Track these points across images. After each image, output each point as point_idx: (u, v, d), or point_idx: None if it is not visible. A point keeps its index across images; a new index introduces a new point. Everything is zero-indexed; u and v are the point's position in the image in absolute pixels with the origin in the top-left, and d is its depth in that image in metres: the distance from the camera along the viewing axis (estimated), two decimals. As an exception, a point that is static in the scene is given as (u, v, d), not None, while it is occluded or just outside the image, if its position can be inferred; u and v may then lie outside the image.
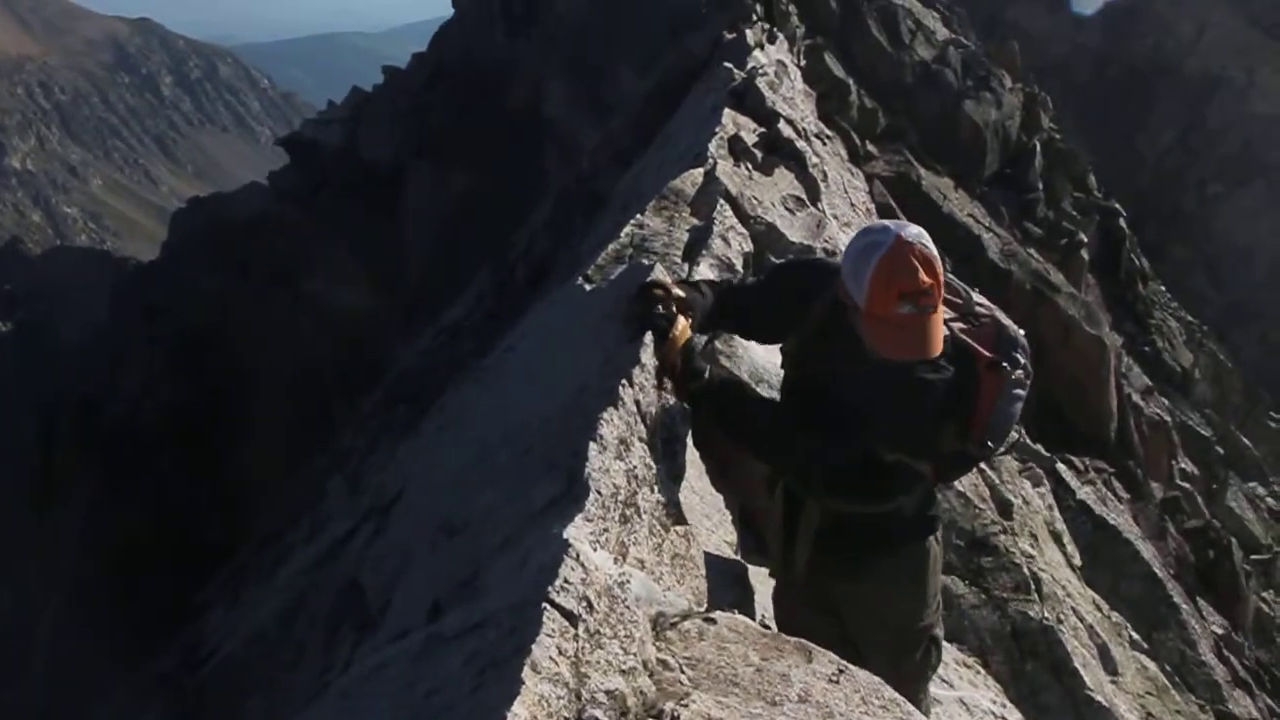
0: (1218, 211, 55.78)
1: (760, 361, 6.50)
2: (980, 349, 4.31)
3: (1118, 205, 31.98)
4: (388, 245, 31.57)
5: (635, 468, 3.61)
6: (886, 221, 4.23)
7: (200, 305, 36.38)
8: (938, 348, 4.01)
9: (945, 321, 4.19)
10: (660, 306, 4.26)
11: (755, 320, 4.78)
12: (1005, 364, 4.31)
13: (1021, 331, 4.48)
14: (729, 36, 18.31)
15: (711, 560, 4.53)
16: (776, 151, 10.77)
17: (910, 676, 4.67)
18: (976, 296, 4.51)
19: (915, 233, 4.01)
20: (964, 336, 4.30)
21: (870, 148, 21.89)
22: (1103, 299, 27.64)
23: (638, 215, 7.49)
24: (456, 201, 29.40)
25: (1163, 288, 36.71)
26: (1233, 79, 59.35)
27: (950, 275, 4.36)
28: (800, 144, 11.47)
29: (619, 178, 14.46)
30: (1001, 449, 4.59)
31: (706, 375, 4.30)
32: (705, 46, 19.07)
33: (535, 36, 29.53)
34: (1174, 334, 32.97)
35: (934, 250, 4.02)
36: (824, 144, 14.34)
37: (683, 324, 4.25)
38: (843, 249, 4.91)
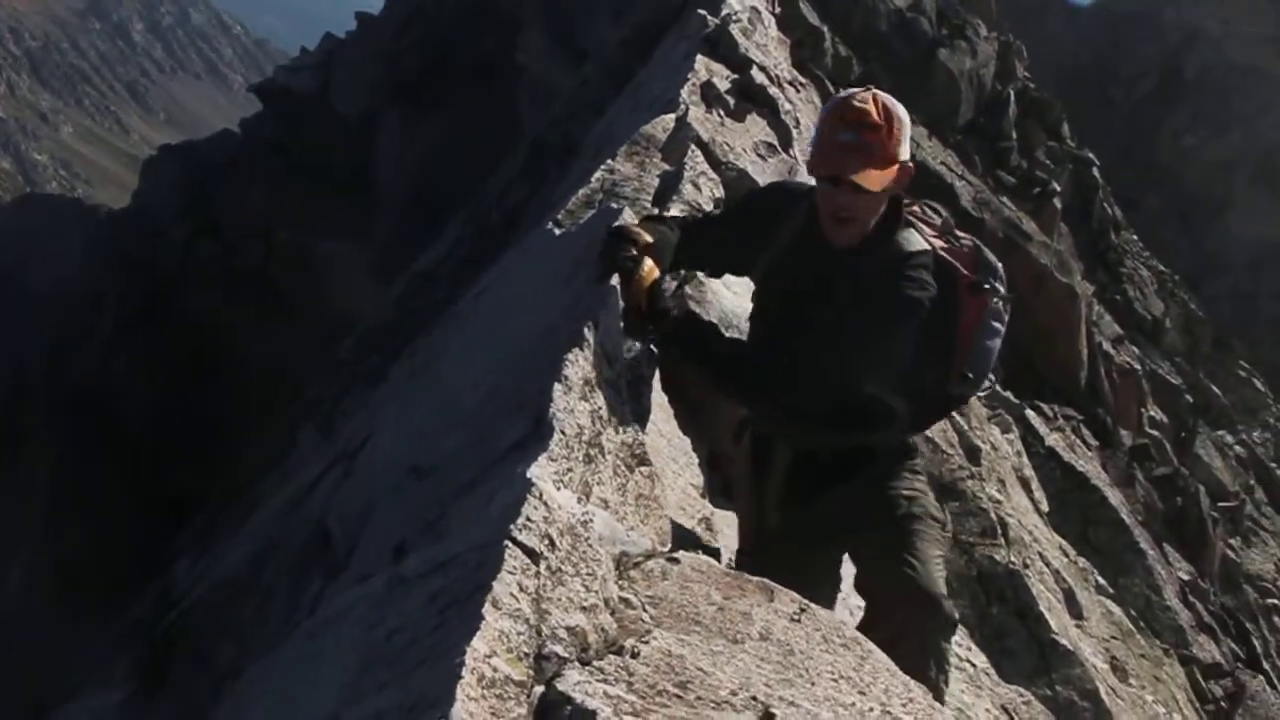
0: (1192, 163, 55.90)
1: (729, 306, 6.53)
2: (961, 268, 4.25)
3: (1091, 155, 32.00)
4: (360, 192, 31.46)
5: (600, 408, 3.63)
6: None
7: (172, 253, 36.20)
8: (874, 184, 3.94)
9: (926, 237, 4.21)
10: (629, 250, 4.17)
11: (726, 248, 4.63)
12: (987, 285, 4.27)
13: (1000, 263, 4.42)
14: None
15: (678, 502, 4.56)
16: (749, 98, 10.76)
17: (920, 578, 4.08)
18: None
19: (887, 95, 4.08)
20: (945, 254, 4.24)
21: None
22: (1075, 248, 27.70)
23: (608, 160, 7.50)
24: (430, 148, 29.28)
25: (1135, 237, 36.79)
26: (1209, 29, 59.37)
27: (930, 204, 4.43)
28: (773, 91, 11.47)
29: (593, 125, 14.44)
30: (983, 385, 4.71)
31: (672, 314, 4.22)
32: (680, -8, 19.00)
33: (509, -19, 29.39)
34: (1145, 283, 33.07)
35: (901, 110, 4.05)
36: (797, 91, 14.32)
37: (648, 265, 4.15)
38: None
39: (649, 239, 4.28)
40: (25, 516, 33.16)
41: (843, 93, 4.15)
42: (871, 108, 3.94)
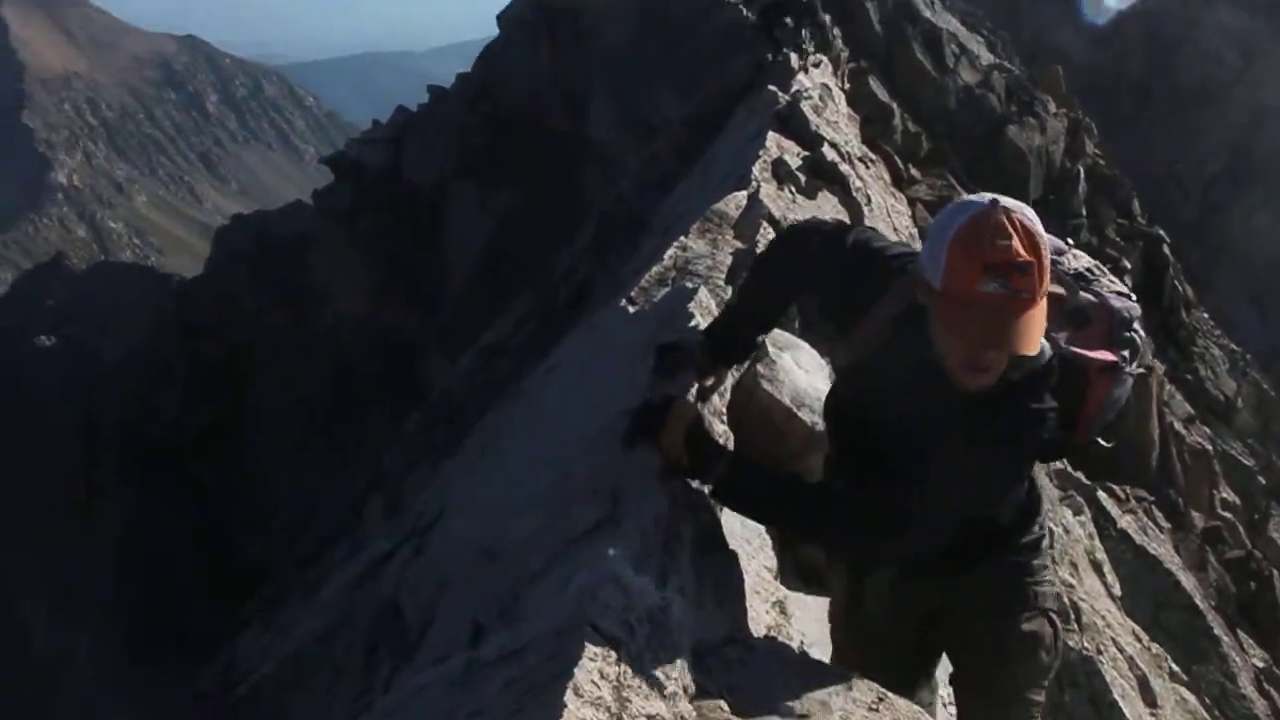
0: (1263, 242, 55.49)
1: (802, 385, 6.46)
2: (1094, 356, 3.63)
3: (1161, 232, 31.83)
4: (430, 265, 31.69)
5: (677, 493, 3.60)
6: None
7: (243, 323, 36.59)
8: (1033, 345, 3.18)
9: (1051, 336, 3.42)
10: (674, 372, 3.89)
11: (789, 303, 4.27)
12: (1122, 360, 3.67)
13: (1132, 298, 3.85)
14: (772, 59, 18.36)
15: (752, 586, 4.51)
16: (820, 175, 10.78)
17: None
18: (1075, 262, 3.80)
19: (1015, 203, 3.23)
20: (1071, 349, 3.57)
21: (914, 172, 21.88)
22: (1146, 326, 27.50)
23: (681, 237, 7.49)
24: (499, 222, 29.52)
25: (1206, 315, 36.49)
26: (1279, 109, 59.16)
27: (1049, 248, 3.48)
28: (844, 168, 11.48)
29: (661, 200, 14.49)
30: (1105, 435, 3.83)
31: (720, 465, 3.57)
32: (748, 69, 19.11)
33: (579, 57, 29.64)
34: (1217, 362, 32.77)
35: (1038, 225, 3.21)
36: (867, 168, 14.33)
37: (681, 411, 3.67)
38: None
39: (700, 355, 4.09)
40: (94, 582, 33.41)
41: (964, 212, 3.23)
42: (1016, 241, 3.12)
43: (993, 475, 3.48)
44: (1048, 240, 3.26)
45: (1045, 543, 3.94)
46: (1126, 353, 3.69)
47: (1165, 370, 26.00)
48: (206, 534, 32.28)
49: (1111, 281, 3.79)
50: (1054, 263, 3.51)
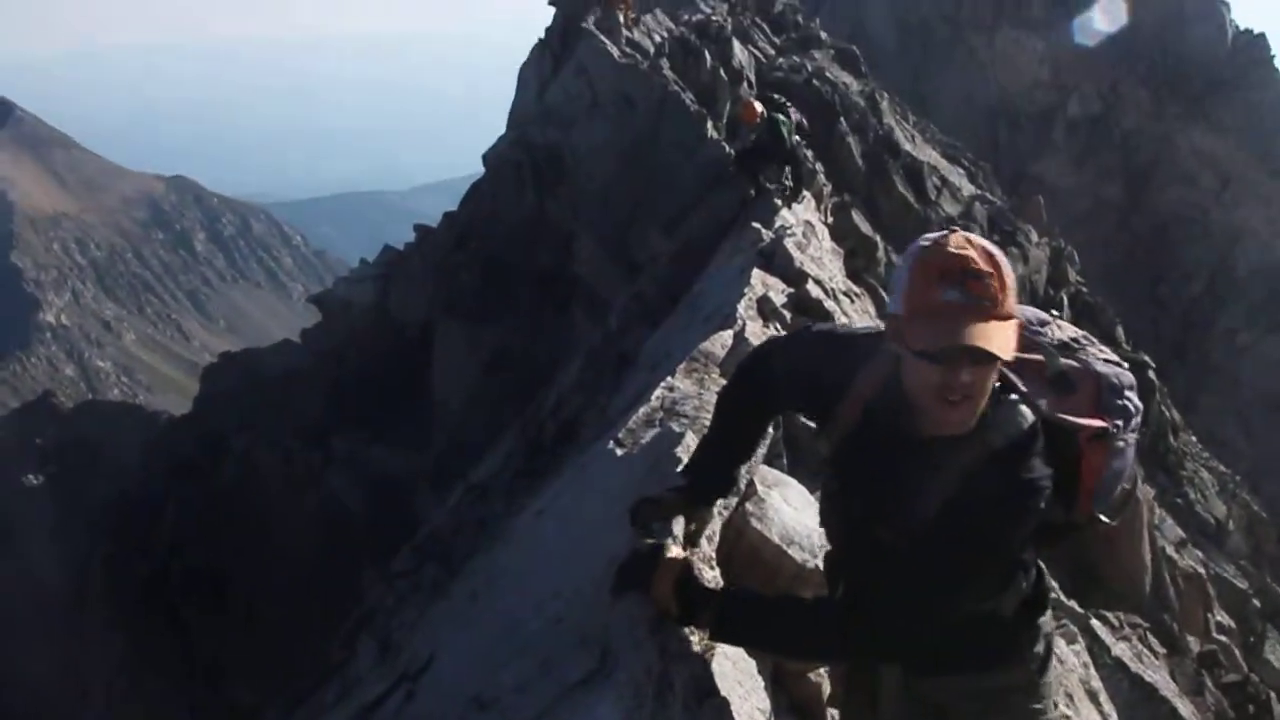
0: (1247, 362, 55.79)
1: (791, 522, 6.49)
2: (1083, 422, 3.50)
3: (1146, 358, 32.02)
4: (419, 402, 31.73)
5: (667, 641, 3.61)
6: None
7: (232, 461, 36.54)
8: (1002, 349, 3.11)
9: (1033, 402, 3.37)
10: (645, 550, 3.74)
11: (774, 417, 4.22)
12: (1114, 428, 3.54)
13: (1124, 366, 3.74)
14: (755, 195, 18.59)
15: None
16: (805, 312, 10.88)
17: None
18: (1059, 332, 3.71)
19: (977, 236, 3.24)
20: (1059, 416, 3.45)
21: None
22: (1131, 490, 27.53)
23: (668, 378, 7.54)
24: (486, 359, 29.61)
25: (1194, 438, 36.59)
26: (1257, 229, 59.76)
27: (1030, 319, 3.65)
28: (829, 304, 11.59)
29: (648, 336, 14.58)
30: (1111, 513, 3.66)
31: (709, 614, 3.52)
32: (732, 205, 19.32)
33: (563, 195, 29.94)
34: (1206, 485, 32.81)
35: (999, 253, 3.23)
36: (852, 302, 14.45)
37: (670, 556, 3.67)
38: None
39: (676, 503, 4.07)
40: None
41: (924, 240, 3.26)
42: (972, 251, 3.16)
43: (987, 558, 3.36)
44: (1014, 278, 3.26)
45: (1050, 654, 3.83)
46: (1120, 421, 3.59)
47: (1155, 495, 26.03)
48: (196, 673, 31.99)
49: (1100, 350, 3.70)
50: (1035, 332, 3.60)
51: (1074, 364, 3.57)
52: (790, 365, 3.89)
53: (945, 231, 3.24)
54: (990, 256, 3.16)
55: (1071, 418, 3.48)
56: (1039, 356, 3.51)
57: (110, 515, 40.46)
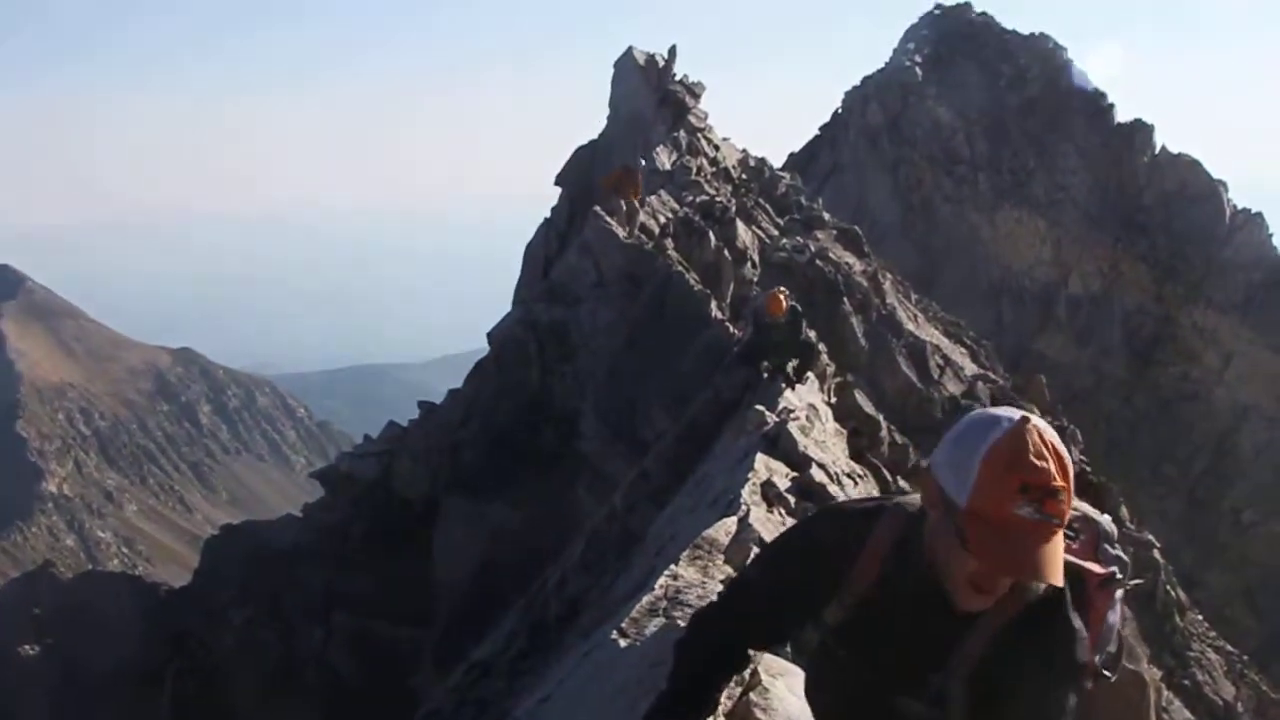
0: (1254, 539, 55.65)
1: (795, 712, 6.47)
2: (1091, 569, 3.46)
3: (1151, 537, 31.95)
4: (420, 579, 31.59)
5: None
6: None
7: (231, 634, 36.28)
8: (1060, 573, 2.96)
9: None
10: None
11: (775, 630, 3.79)
12: (1118, 575, 3.53)
13: (1106, 516, 3.73)
14: (761, 376, 18.72)
15: None
16: (809, 496, 10.91)
17: None
18: None
19: (1041, 421, 3.03)
20: (1071, 558, 3.31)
21: (902, 484, 22.05)
22: (1140, 632, 27.35)
23: (672, 565, 7.57)
24: (490, 536, 29.53)
25: (1200, 617, 36.32)
26: (1262, 406, 60.01)
27: None
28: (832, 488, 11.64)
29: (652, 516, 14.62)
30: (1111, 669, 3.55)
31: None
32: (736, 387, 19.44)
33: (568, 372, 30.13)
34: (1214, 666, 32.52)
35: (1065, 451, 3.03)
36: (855, 484, 14.49)
37: None
38: None
39: None
40: None
41: (997, 430, 2.99)
42: (1050, 463, 2.94)
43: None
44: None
45: None
46: (1117, 569, 3.56)
47: (1162, 676, 25.78)
48: None
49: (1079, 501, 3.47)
50: None
51: (1074, 511, 3.44)
52: (771, 571, 3.70)
53: (1018, 421, 2.99)
54: (1062, 462, 2.96)
55: (1083, 563, 3.43)
56: None
57: (109, 685, 40.04)
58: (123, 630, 45.54)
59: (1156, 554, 31.22)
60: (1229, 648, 37.40)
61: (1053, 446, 2.94)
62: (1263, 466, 57.92)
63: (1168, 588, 31.69)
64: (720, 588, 6.99)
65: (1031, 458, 2.91)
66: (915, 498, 3.35)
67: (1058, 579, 2.96)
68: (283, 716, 32.14)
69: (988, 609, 3.15)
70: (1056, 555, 2.95)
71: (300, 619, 34.18)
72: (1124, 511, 32.11)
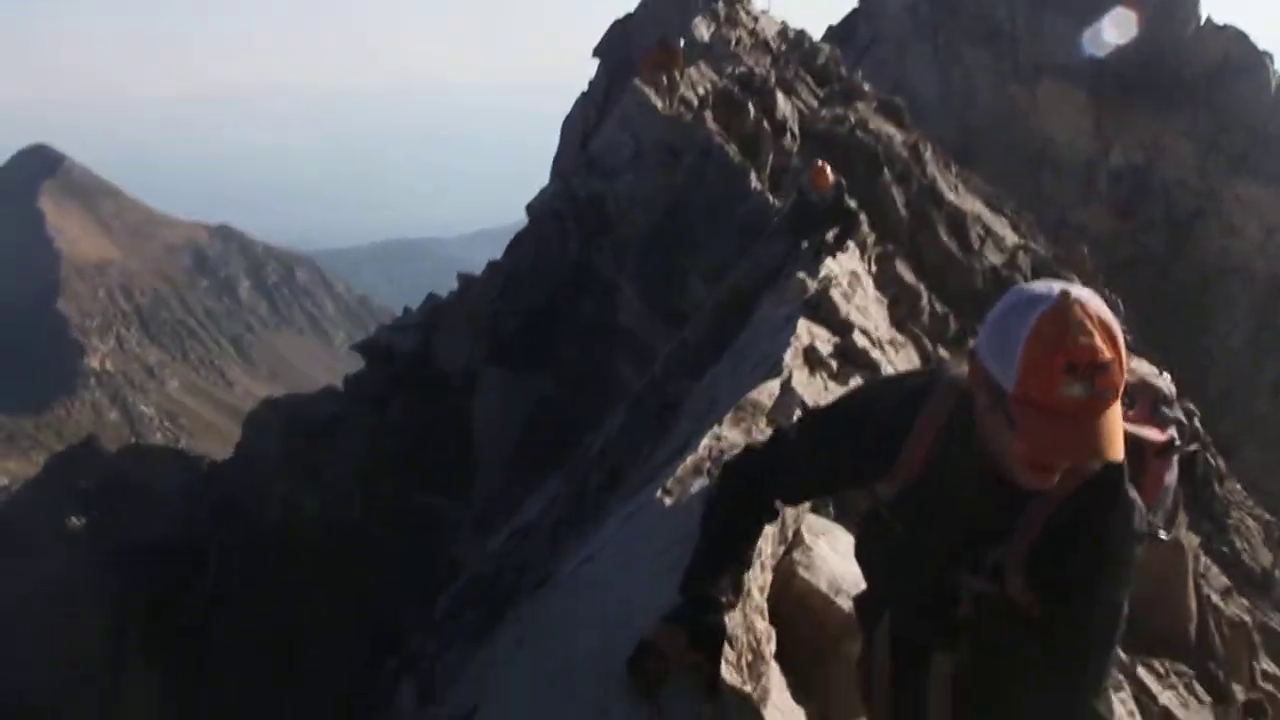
0: (1293, 412, 55.46)
1: (839, 570, 6.46)
2: (1150, 437, 3.45)
3: (1191, 405, 31.79)
4: (461, 449, 31.75)
5: (724, 691, 3.60)
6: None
7: (274, 505, 36.65)
8: (1119, 449, 2.88)
9: None
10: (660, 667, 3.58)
11: (821, 487, 3.90)
12: (1176, 441, 3.51)
13: (1166, 375, 3.75)
14: (801, 245, 18.61)
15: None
16: (851, 361, 10.88)
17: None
18: None
19: (1084, 291, 2.93)
20: (1130, 426, 3.28)
21: (942, 353, 22.00)
22: (1179, 499, 27.36)
23: (715, 426, 7.55)
24: (529, 407, 29.60)
25: (1239, 486, 36.28)
26: (1304, 278, 59.52)
27: None
28: (874, 353, 11.59)
29: (692, 386, 14.59)
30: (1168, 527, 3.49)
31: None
32: (777, 255, 19.34)
33: (607, 244, 30.02)
34: (1252, 533, 32.52)
35: (1113, 321, 2.92)
36: (896, 351, 14.45)
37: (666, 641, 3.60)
38: None
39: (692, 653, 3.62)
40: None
41: (1037, 309, 2.89)
42: (1097, 338, 2.83)
43: (1121, 587, 3.17)
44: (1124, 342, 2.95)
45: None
46: (1176, 433, 3.52)
47: (1200, 543, 25.80)
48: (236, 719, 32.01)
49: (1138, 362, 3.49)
50: None
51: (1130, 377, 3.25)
52: (816, 439, 3.65)
53: (1058, 297, 2.89)
54: (1110, 333, 2.86)
55: (1141, 432, 3.41)
56: None
57: (152, 559, 40.59)
58: (166, 503, 46.11)
59: (1196, 423, 31.10)
60: (1267, 516, 37.41)
61: (1098, 318, 2.85)
62: (1303, 339, 57.67)
63: (1207, 456, 31.63)
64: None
65: (1075, 334, 2.82)
66: (964, 370, 3.27)
67: (1117, 454, 2.88)
68: (326, 587, 32.51)
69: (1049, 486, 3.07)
70: (1114, 430, 2.87)
71: (341, 491, 34.46)
72: (1164, 382, 32.03)
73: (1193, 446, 3.58)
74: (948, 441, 3.28)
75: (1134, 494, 3.17)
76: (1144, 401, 3.61)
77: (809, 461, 3.64)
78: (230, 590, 35.25)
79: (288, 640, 32.43)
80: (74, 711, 36.91)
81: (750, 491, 3.79)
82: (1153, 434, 3.48)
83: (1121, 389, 2.86)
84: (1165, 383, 3.70)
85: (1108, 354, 2.81)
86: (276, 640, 32.67)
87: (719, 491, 3.94)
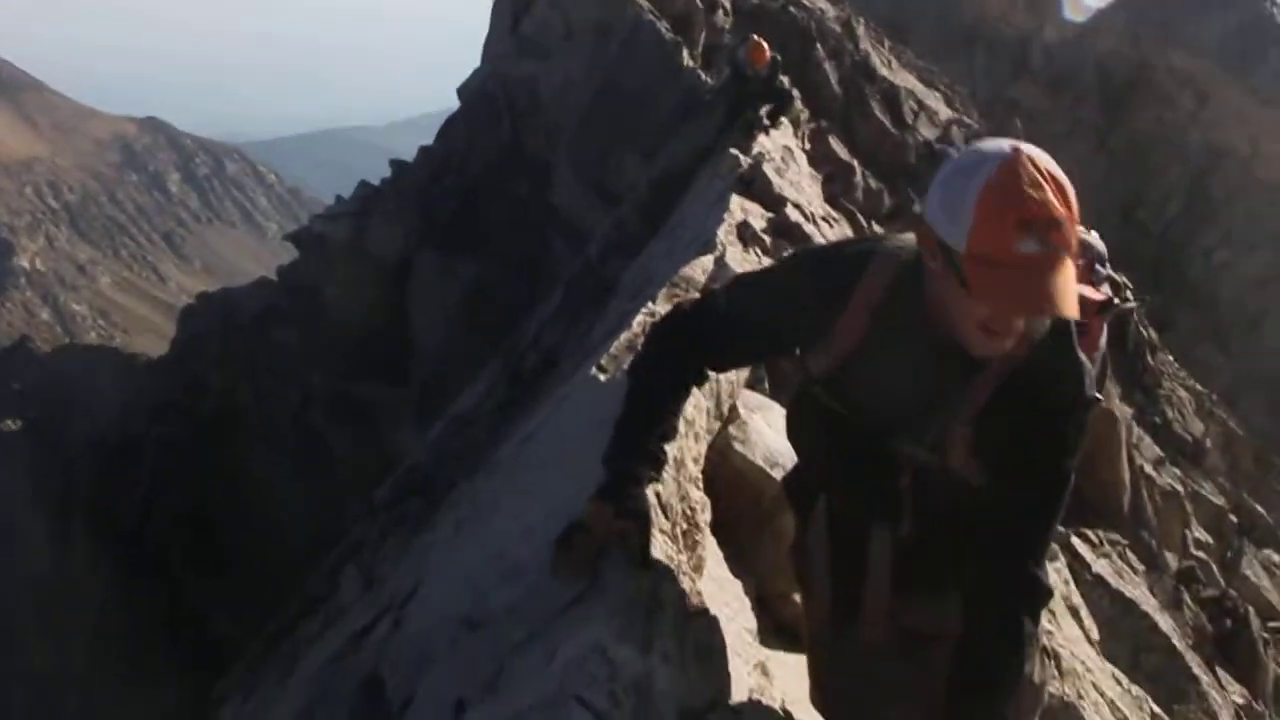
0: (1225, 279, 56.00)
1: (774, 445, 6.47)
2: (1089, 294, 3.41)
3: (1124, 278, 32.09)
4: (398, 336, 31.68)
5: (657, 561, 3.61)
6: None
7: (211, 400, 36.48)
8: (1074, 305, 2.79)
9: None
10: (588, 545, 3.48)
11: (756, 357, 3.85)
12: (1114, 301, 3.53)
13: (1094, 234, 3.65)
14: (734, 124, 18.54)
15: (733, 647, 4.51)
16: (785, 236, 10.86)
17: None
18: None
19: (1034, 149, 2.83)
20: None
21: (876, 228, 22.05)
22: (1112, 371, 27.67)
23: (649, 303, 7.51)
24: (465, 291, 29.52)
25: (1171, 358, 36.75)
26: (1236, 148, 59.79)
27: None
28: (808, 227, 11.58)
29: (627, 265, 14.55)
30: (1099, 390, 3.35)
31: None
32: (709, 133, 19.26)
33: (539, 126, 29.79)
34: (1184, 404, 33.00)
35: (1063, 177, 2.82)
36: (830, 226, 14.42)
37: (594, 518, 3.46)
38: None
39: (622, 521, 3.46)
40: (68, 664, 33.10)
41: (988, 165, 2.80)
42: (1050, 193, 2.76)
43: (1071, 450, 3.08)
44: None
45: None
46: (1108, 288, 3.51)
47: (1133, 414, 26.14)
48: (180, 611, 32.05)
49: None
50: None
51: None
52: (747, 306, 3.46)
53: (1010, 153, 2.80)
54: (1061, 189, 2.78)
55: (1083, 291, 3.18)
56: None
57: (90, 457, 40.39)
58: (102, 401, 45.76)
59: (1129, 294, 31.44)
60: (1198, 386, 37.92)
61: (1049, 174, 2.77)
62: (1235, 209, 58.03)
63: (1139, 327, 31.95)
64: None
65: (1028, 189, 2.74)
66: (905, 240, 3.21)
67: (1073, 310, 2.79)
68: (265, 478, 32.50)
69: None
70: (1068, 286, 2.78)
71: (277, 382, 34.34)
72: (1096, 253, 32.24)
73: (1131, 304, 3.49)
74: (886, 314, 3.16)
75: (1083, 355, 3.10)
76: (1085, 261, 3.54)
77: (737, 328, 3.48)
78: (169, 486, 35.18)
79: (228, 533, 32.46)
80: (22, 613, 36.90)
81: (676, 355, 3.62)
82: (1091, 292, 3.46)
83: (1075, 246, 2.81)
84: (1096, 240, 3.66)
85: (1061, 210, 2.75)
86: (216, 533, 32.70)
87: (644, 355, 3.77)
